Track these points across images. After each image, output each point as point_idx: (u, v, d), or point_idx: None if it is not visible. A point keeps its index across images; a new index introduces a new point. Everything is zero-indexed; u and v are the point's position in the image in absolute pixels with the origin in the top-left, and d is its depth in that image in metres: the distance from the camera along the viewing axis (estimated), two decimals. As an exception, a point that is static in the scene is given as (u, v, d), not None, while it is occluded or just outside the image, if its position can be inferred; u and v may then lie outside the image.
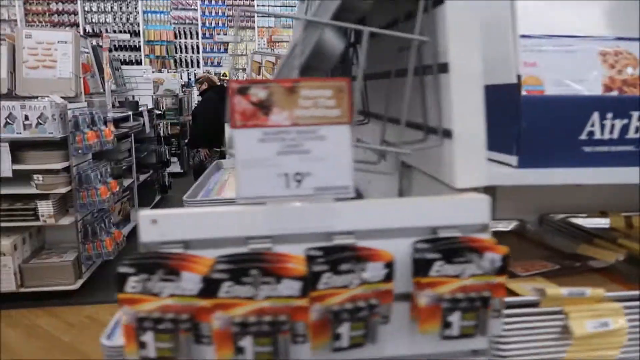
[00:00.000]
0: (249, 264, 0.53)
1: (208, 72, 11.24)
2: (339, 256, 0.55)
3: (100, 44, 4.97)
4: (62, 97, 3.67)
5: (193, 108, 5.87)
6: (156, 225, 0.58)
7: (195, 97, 10.11)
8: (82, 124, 3.71)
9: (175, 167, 8.16)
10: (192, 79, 11.14)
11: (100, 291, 4.05)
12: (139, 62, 10.88)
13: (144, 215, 0.58)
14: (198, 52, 11.48)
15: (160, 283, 0.53)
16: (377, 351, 0.62)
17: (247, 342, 0.52)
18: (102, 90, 5.05)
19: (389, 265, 0.57)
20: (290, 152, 0.59)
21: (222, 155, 5.55)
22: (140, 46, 11.01)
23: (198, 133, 5.32)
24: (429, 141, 0.70)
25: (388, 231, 0.61)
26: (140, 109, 5.69)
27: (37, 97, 3.62)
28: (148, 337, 0.53)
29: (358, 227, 0.60)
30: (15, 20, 10.23)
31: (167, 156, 6.93)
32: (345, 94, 0.58)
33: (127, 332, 0.55)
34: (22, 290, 3.77)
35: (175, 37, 11.30)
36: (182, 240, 0.59)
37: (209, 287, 0.53)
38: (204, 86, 5.61)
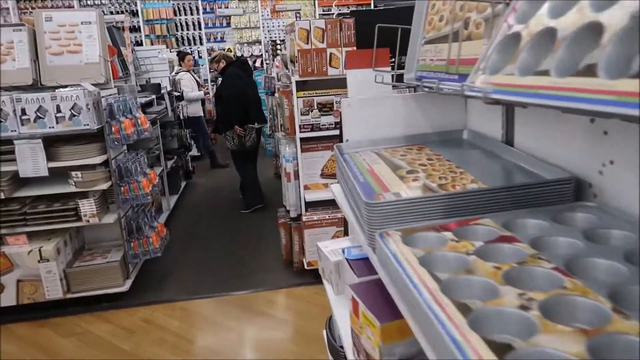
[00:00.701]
0: None
1: (212, 49, 10.80)
2: None
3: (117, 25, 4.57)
4: (92, 84, 3.32)
5: (215, 89, 5.46)
6: None
7: (202, 76, 9.70)
8: (117, 112, 3.38)
9: (193, 151, 7.83)
10: (197, 56, 10.69)
11: (150, 291, 3.79)
12: (139, 43, 10.39)
13: None
14: (200, 29, 10.97)
15: None
16: None
17: None
18: (121, 75, 4.69)
19: None
20: None
21: (258, 132, 5.20)
22: (139, 26, 10.51)
23: (229, 112, 4.96)
24: None
25: None
26: (161, 92, 5.33)
27: (65, 86, 3.28)
28: None
29: None
30: (8, 8, 9.71)
31: (189, 140, 6.59)
32: None
33: None
34: (69, 296, 3.50)
35: (175, 14, 10.78)
36: None
37: None
38: (222, 64, 5.22)
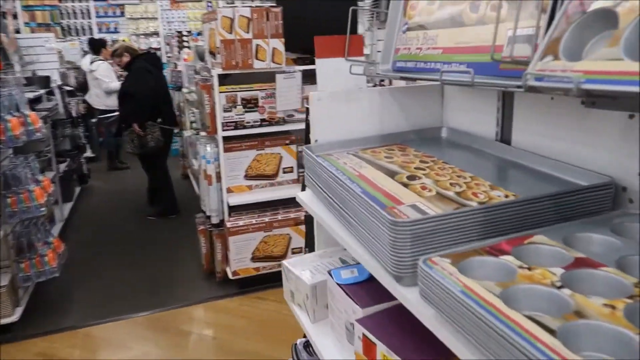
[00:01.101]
0: None
1: (102, 39, 9.89)
2: None
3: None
4: (-32, 75, 2.74)
5: (121, 84, 4.83)
6: None
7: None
8: (1, 109, 2.81)
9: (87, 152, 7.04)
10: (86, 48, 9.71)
11: (46, 318, 3.24)
12: (17, 32, 9.19)
13: None
14: (89, 18, 9.99)
15: None
16: None
17: None
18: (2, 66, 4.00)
19: None
20: None
21: (167, 133, 4.66)
22: (15, 13, 9.27)
23: (139, 112, 4.40)
24: None
25: None
26: (51, 86, 4.66)
27: None
28: None
29: None
30: None
31: (83, 140, 5.89)
32: None
33: None
34: (-58, 333, 2.87)
35: (60, 0, 9.70)
36: None
37: None
38: (126, 58, 4.65)
